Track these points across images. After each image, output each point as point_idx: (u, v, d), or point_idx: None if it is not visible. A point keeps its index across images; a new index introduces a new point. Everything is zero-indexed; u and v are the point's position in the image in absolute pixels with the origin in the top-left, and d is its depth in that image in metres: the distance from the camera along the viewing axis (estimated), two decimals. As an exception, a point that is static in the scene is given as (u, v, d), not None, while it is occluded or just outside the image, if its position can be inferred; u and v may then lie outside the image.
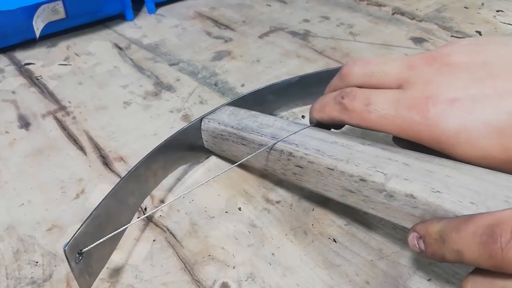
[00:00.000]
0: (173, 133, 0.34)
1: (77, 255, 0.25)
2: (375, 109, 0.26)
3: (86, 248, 0.25)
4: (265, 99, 0.40)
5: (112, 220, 0.27)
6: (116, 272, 0.29)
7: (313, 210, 0.32)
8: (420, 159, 0.26)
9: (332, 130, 0.32)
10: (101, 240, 0.25)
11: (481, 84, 0.24)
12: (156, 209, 0.30)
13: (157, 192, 0.35)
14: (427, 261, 0.28)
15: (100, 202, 0.27)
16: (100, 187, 0.35)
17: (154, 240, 0.31)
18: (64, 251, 0.24)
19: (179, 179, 0.36)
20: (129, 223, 0.31)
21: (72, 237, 0.24)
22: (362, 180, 0.26)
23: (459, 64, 0.25)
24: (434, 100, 0.24)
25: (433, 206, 0.23)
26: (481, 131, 0.23)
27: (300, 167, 0.29)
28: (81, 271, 0.25)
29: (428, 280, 0.27)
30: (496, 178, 0.23)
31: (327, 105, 0.30)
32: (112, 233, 0.26)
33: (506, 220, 0.19)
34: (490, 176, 0.23)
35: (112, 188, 0.28)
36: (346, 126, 0.31)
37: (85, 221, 0.26)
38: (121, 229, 0.27)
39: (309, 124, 0.32)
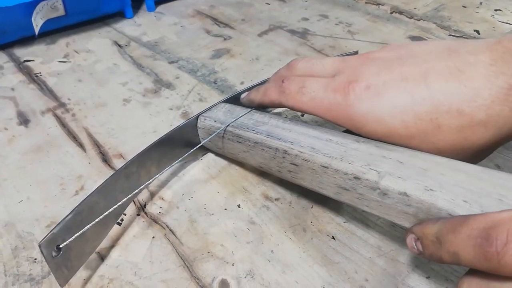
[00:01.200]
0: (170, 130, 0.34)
1: (55, 250, 0.25)
2: (307, 91, 0.30)
3: (64, 243, 0.25)
4: None
5: (97, 217, 0.27)
6: (115, 269, 0.29)
7: (312, 207, 0.32)
8: (414, 157, 0.26)
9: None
10: (77, 234, 0.26)
11: (390, 72, 0.27)
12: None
13: (155, 189, 0.35)
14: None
15: (84, 199, 0.27)
16: (100, 184, 0.35)
17: (153, 237, 0.31)
18: (39, 245, 0.24)
19: (176, 176, 0.36)
20: (117, 220, 0.31)
21: (50, 232, 0.24)
22: (356, 178, 0.26)
23: (379, 58, 0.29)
24: (354, 85, 0.27)
25: (426, 204, 0.23)
26: (387, 111, 0.26)
27: (295, 165, 0.29)
28: (58, 265, 0.25)
29: (426, 277, 0.27)
30: (489, 175, 0.23)
31: (269, 89, 0.33)
32: (87, 226, 0.26)
33: (502, 222, 0.19)
34: (483, 173, 0.23)
35: (99, 185, 0.29)
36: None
37: (65, 217, 0.26)
38: (94, 222, 0.27)
39: (252, 108, 0.35)
